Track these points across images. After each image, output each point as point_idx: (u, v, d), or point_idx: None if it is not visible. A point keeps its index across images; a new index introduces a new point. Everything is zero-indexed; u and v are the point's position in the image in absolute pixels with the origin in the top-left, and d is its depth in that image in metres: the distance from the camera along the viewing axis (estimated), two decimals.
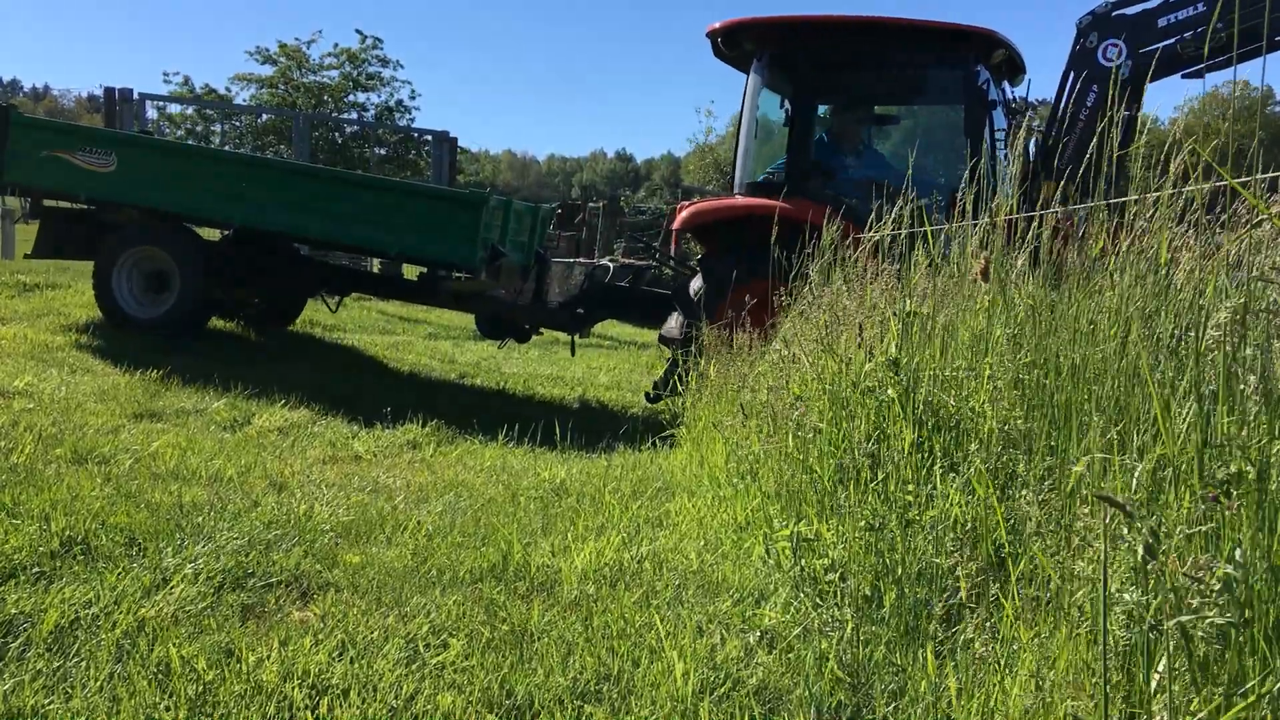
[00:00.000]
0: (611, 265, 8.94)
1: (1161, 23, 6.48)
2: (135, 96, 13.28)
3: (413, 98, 34.82)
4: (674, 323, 7.25)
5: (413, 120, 28.56)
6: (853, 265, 4.43)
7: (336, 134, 25.93)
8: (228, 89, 26.60)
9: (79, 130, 9.23)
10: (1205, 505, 1.80)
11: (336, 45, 27.08)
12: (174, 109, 23.77)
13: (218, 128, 25.18)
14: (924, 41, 7.00)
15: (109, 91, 13.03)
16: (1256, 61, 6.24)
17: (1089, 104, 6.58)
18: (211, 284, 8.25)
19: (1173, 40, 6.56)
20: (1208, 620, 1.65)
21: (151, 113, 15.62)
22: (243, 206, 8.04)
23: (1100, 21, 6.57)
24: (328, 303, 9.94)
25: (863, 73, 7.38)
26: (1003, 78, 7.41)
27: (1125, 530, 1.73)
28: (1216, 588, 1.64)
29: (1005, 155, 6.82)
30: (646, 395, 7.58)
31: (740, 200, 7.19)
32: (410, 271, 10.29)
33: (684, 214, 7.33)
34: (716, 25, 7.23)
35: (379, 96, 27.83)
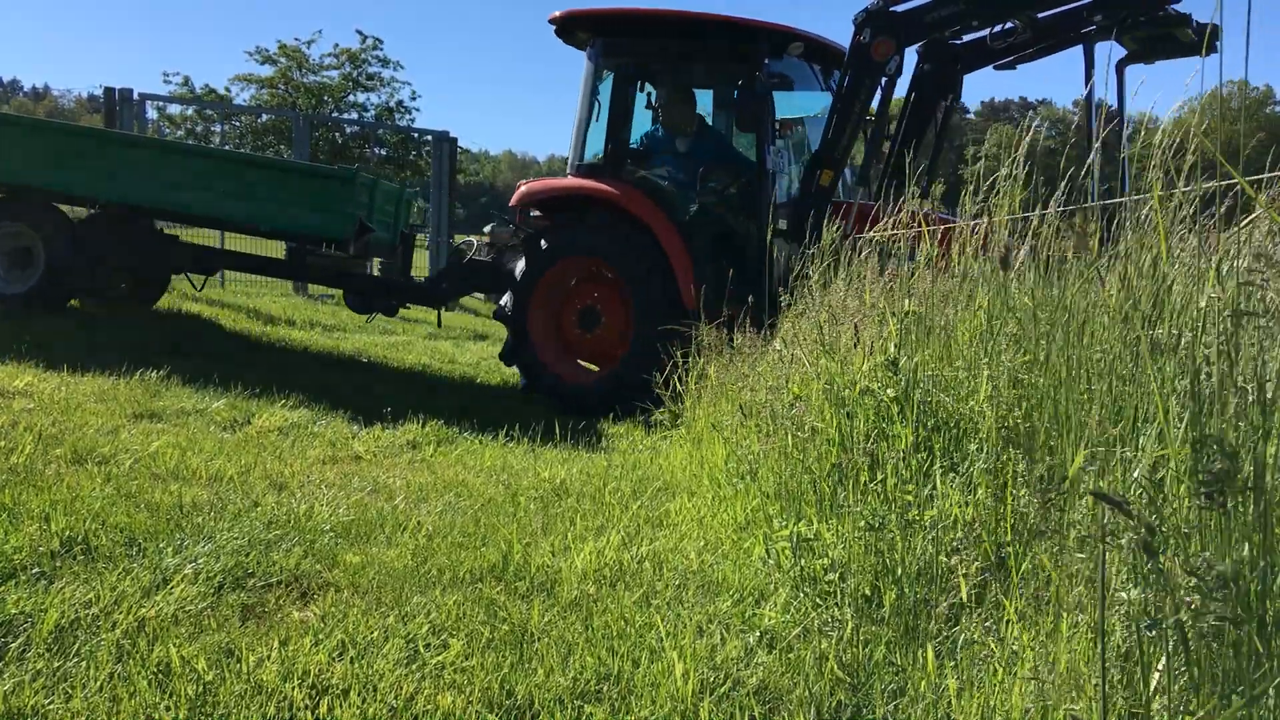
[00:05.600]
0: (476, 241, 9.29)
1: (928, 19, 6.68)
2: (135, 96, 13.23)
3: (413, 98, 34.66)
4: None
5: (413, 121, 28.52)
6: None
7: (337, 134, 25.89)
8: (228, 89, 26.53)
9: None
10: (1201, 503, 1.80)
11: (337, 45, 26.99)
12: (174, 109, 23.71)
13: (218, 128, 25.13)
14: (718, 35, 7.39)
15: (109, 91, 12.99)
16: (1257, 62, 6.35)
17: (860, 97, 6.78)
18: (76, 261, 8.26)
19: (977, 39, 6.92)
20: (1205, 618, 1.65)
21: (151, 113, 15.58)
22: (110, 184, 8.06)
23: (873, 18, 6.71)
24: (193, 282, 9.95)
25: (671, 63, 7.82)
26: (830, 71, 7.62)
27: (1121, 528, 1.73)
28: (1212, 585, 1.64)
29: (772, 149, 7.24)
30: (520, 387, 7.83)
31: (569, 180, 7.67)
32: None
33: (519, 191, 7.77)
34: (556, 14, 7.65)
35: (379, 97, 27.73)
